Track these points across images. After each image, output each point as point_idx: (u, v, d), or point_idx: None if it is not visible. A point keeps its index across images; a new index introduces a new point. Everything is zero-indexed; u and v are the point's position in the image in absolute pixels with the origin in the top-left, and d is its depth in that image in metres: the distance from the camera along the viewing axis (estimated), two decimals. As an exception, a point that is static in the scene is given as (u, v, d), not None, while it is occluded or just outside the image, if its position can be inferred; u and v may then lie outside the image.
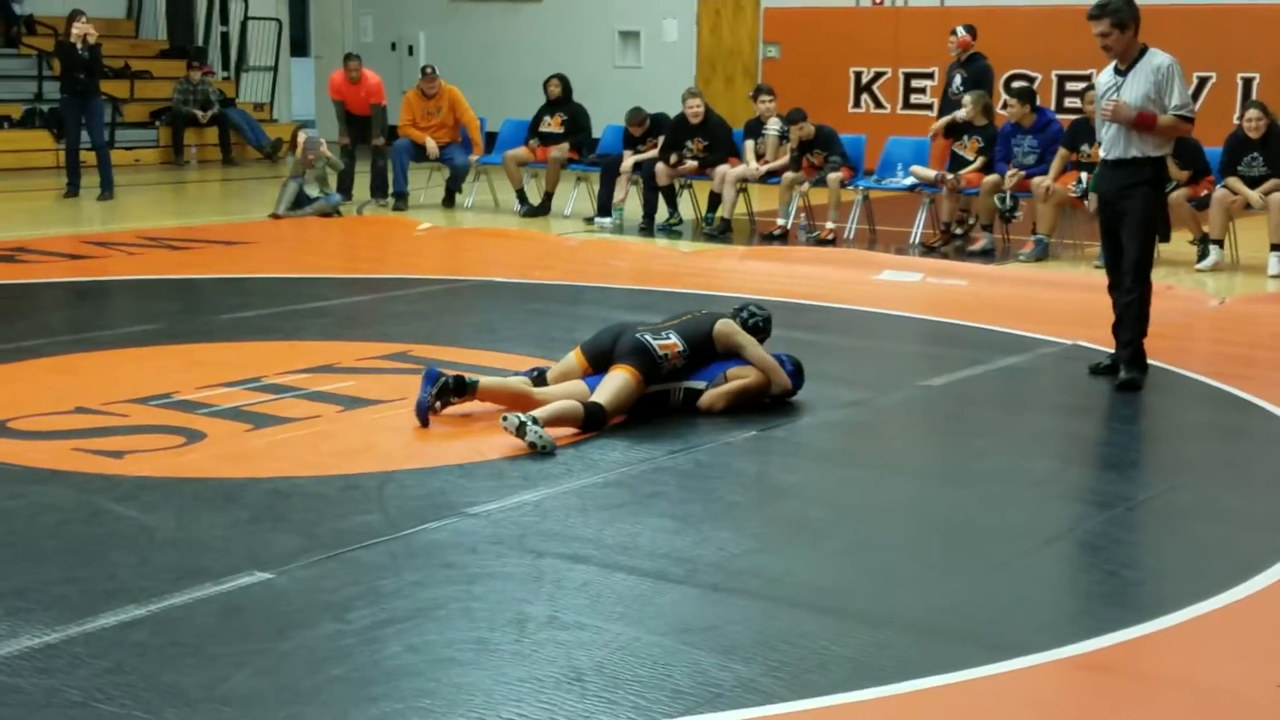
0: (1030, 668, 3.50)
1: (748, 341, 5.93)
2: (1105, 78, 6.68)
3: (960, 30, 11.93)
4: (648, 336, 5.75)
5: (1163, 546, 4.61)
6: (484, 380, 5.75)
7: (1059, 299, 8.87)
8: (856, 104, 16.83)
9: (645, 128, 12.41)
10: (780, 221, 11.66)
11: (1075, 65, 15.17)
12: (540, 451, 5.21)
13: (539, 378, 5.90)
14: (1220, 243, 10.14)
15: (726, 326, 5.94)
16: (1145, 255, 6.68)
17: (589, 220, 12.35)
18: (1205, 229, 10.19)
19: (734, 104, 16.84)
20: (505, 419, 5.30)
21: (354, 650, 3.48)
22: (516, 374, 6.04)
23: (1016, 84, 12.51)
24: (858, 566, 4.25)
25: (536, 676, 3.36)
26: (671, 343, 5.76)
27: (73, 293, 9.00)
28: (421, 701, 3.22)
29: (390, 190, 13.41)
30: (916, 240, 11.31)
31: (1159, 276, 7.37)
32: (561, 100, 13.13)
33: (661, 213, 12.07)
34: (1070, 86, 15.12)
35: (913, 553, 4.41)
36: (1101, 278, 7.01)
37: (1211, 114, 12.91)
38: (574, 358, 5.91)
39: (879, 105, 16.49)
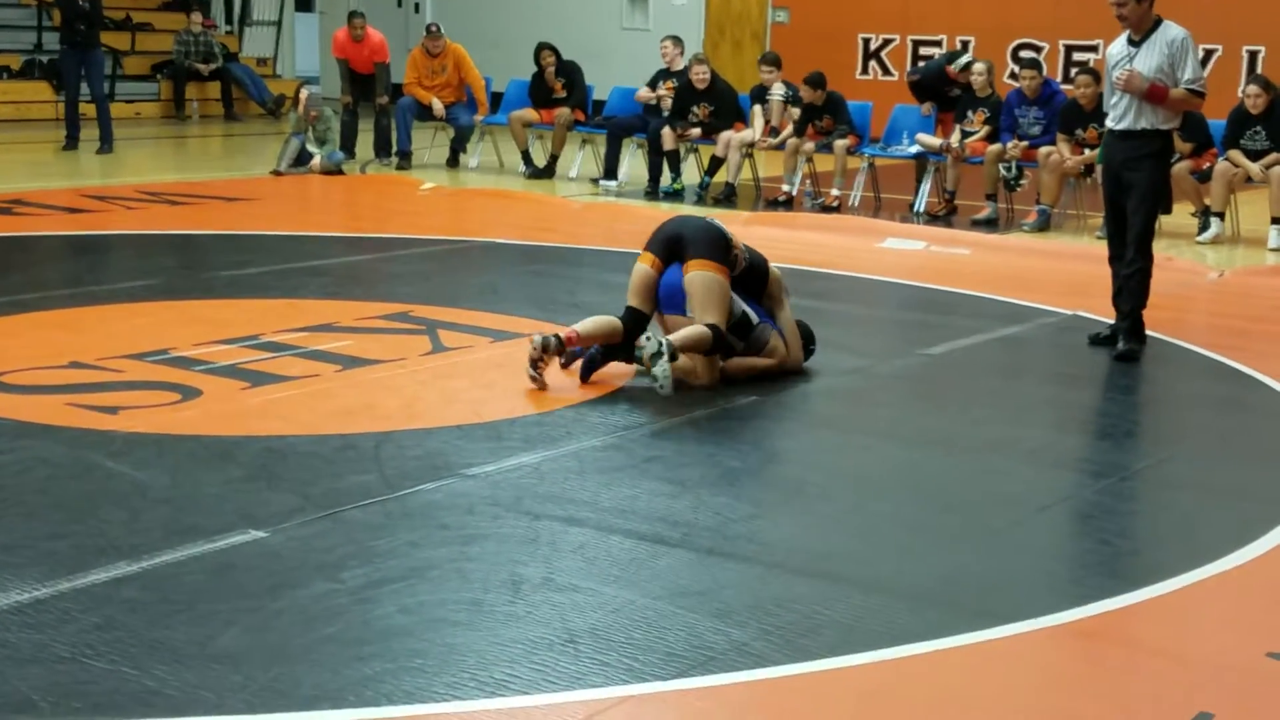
0: (1021, 635, 3.51)
1: (787, 305, 5.87)
2: (1117, 48, 6.63)
3: None
4: (717, 222, 5.60)
5: (1156, 516, 4.61)
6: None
7: (1060, 269, 8.85)
8: (864, 71, 16.73)
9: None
10: (785, 188, 11.62)
11: (1083, 35, 15.09)
12: (659, 391, 5.16)
13: (629, 315, 5.63)
14: (1221, 215, 10.11)
15: (781, 280, 5.86)
16: (1149, 227, 6.67)
17: (595, 182, 12.32)
18: (1207, 201, 10.16)
19: (742, 69, 16.76)
20: (647, 339, 5.17)
21: (346, 610, 3.49)
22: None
23: (1024, 54, 12.45)
24: (852, 532, 4.25)
25: (530, 638, 3.37)
26: (737, 241, 5.65)
27: (70, 246, 8.98)
28: (413, 661, 3.23)
29: (394, 149, 13.36)
30: (921, 208, 11.28)
31: (1160, 248, 7.35)
32: (556, 67, 13.04)
33: (666, 177, 12.03)
34: (1078, 57, 15.04)
35: (907, 519, 4.41)
36: (1102, 248, 6.99)
37: (1216, 87, 12.75)
38: (640, 264, 5.62)
39: (886, 72, 16.41)
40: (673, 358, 5.23)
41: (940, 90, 11.68)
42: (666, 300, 5.65)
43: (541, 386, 5.54)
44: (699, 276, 5.38)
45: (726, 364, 5.70)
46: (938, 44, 15.81)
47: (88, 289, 7.45)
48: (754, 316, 5.71)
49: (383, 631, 3.38)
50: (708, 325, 5.35)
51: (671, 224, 5.68)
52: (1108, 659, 3.45)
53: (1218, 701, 3.18)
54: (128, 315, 6.80)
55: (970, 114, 11.14)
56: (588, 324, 5.66)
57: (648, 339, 5.14)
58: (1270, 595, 3.89)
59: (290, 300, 7.24)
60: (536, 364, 5.54)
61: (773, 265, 5.88)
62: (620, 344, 5.64)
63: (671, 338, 5.18)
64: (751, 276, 5.72)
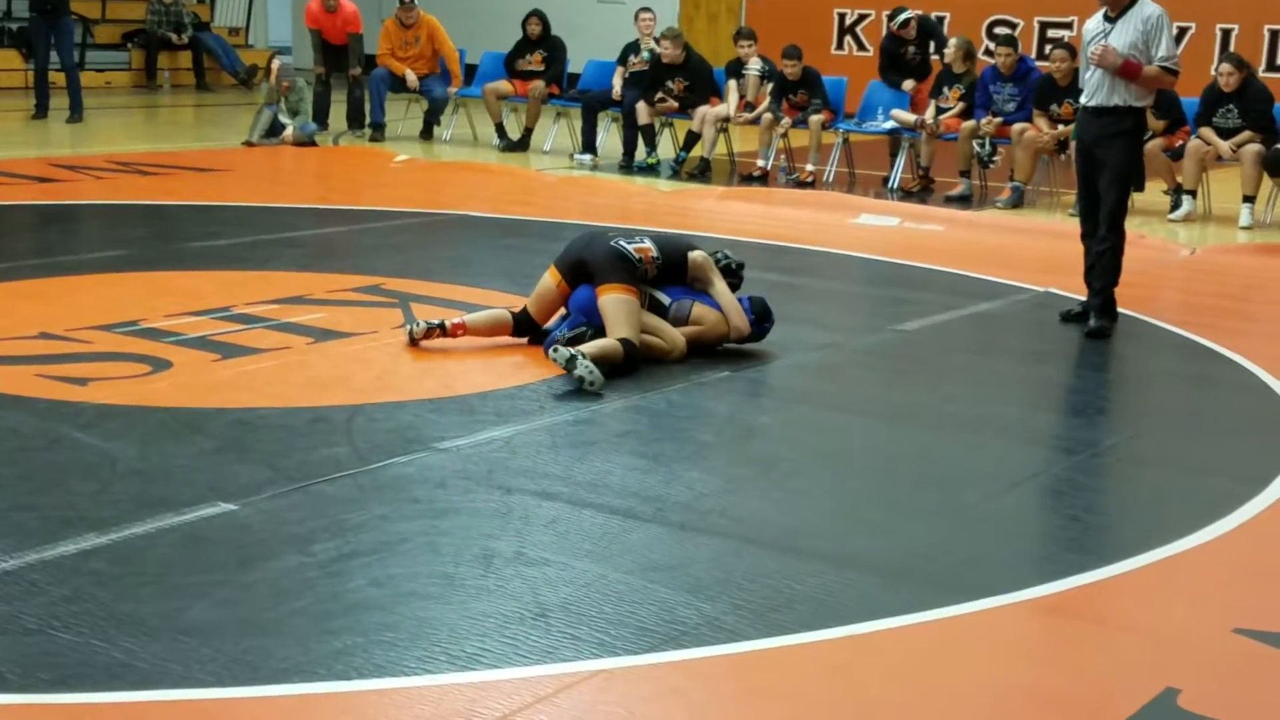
0: (991, 609, 3.52)
1: (718, 279, 5.90)
2: (1093, 24, 6.64)
3: None
4: (622, 243, 5.69)
5: (1125, 492, 4.64)
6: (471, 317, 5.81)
7: (1033, 246, 8.88)
8: (839, 46, 16.71)
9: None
10: (760, 163, 11.60)
11: (1058, 12, 15.09)
12: (587, 389, 5.15)
13: (523, 315, 5.87)
14: (1193, 193, 10.15)
15: (702, 258, 5.91)
16: (1121, 204, 6.68)
17: (570, 156, 12.27)
18: (1179, 179, 10.20)
19: (717, 42, 16.70)
20: (555, 351, 5.23)
21: (317, 583, 3.48)
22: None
23: (999, 30, 12.47)
24: (824, 507, 4.26)
25: (501, 612, 3.36)
26: (646, 246, 5.72)
27: (39, 216, 8.89)
28: (384, 635, 3.22)
29: (367, 121, 13.27)
30: (895, 184, 11.29)
31: (1132, 226, 7.39)
32: (541, 38, 12.98)
33: (641, 152, 11.99)
34: (1053, 34, 15.05)
35: (879, 495, 4.43)
36: (1075, 225, 7.01)
37: (1189, 64, 12.81)
38: (547, 277, 5.82)
39: (861, 48, 16.38)
40: (585, 356, 5.23)
41: (896, 54, 11.74)
42: (579, 311, 5.74)
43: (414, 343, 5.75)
44: (609, 300, 5.54)
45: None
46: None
47: (57, 259, 7.38)
48: (664, 299, 5.79)
49: (353, 605, 3.37)
50: (619, 340, 5.42)
51: (578, 247, 5.78)
52: (1077, 634, 3.47)
53: (1185, 676, 3.21)
54: (98, 286, 6.74)
55: (946, 90, 11.14)
56: (477, 317, 5.90)
57: (554, 351, 5.19)
58: (1238, 571, 3.92)
59: (262, 272, 7.19)
60: (414, 338, 5.75)
61: (695, 252, 5.90)
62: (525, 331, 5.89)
63: (584, 348, 5.25)
64: (670, 270, 5.82)
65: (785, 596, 3.52)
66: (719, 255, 6.09)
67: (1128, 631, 3.47)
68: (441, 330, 5.78)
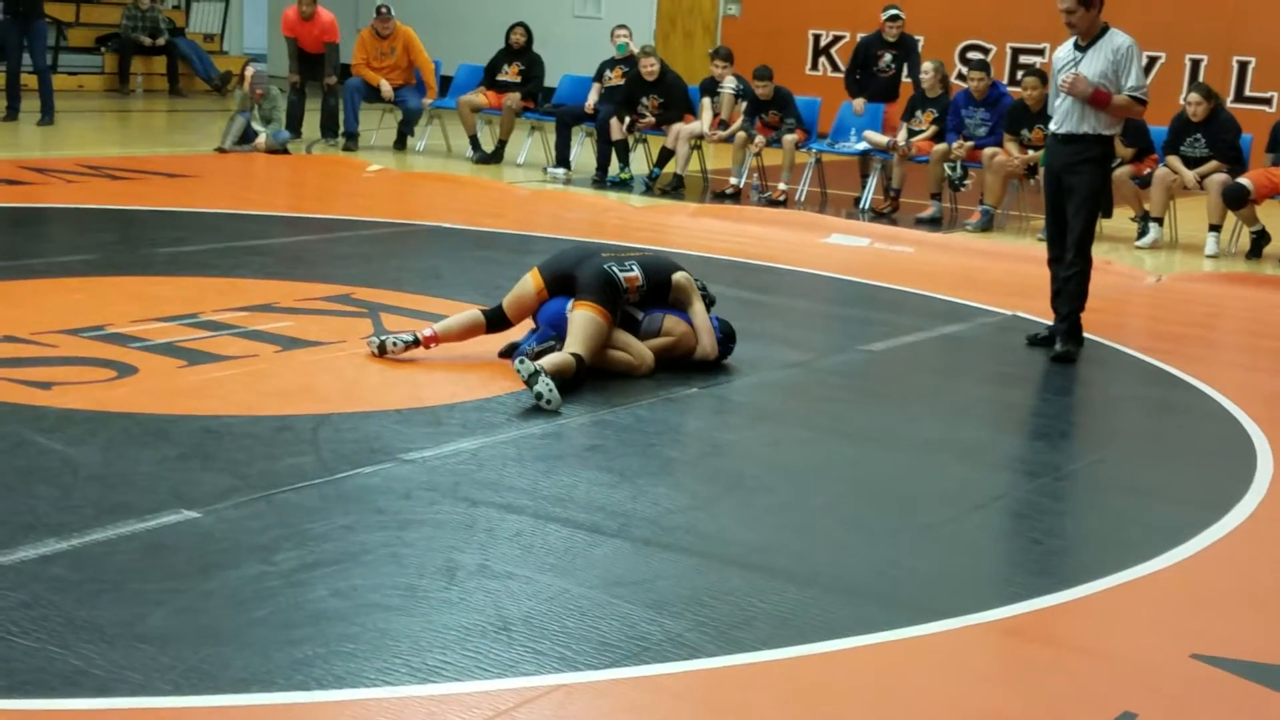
0: (950, 631, 3.54)
1: (698, 300, 5.94)
2: (1064, 52, 6.70)
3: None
4: (613, 267, 5.70)
5: (1086, 517, 4.67)
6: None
7: (1001, 269, 8.95)
8: (814, 66, 16.81)
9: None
10: (733, 180, 11.65)
11: (1030, 39, 15.23)
12: (544, 406, 5.15)
13: (495, 313, 5.87)
14: (1160, 221, 10.25)
15: (685, 279, 5.95)
16: (1088, 230, 6.75)
17: (544, 169, 12.28)
18: (1146, 207, 10.30)
19: (692, 60, 16.77)
20: (521, 363, 5.23)
21: (278, 592, 3.46)
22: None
23: (972, 55, 12.57)
24: (789, 526, 4.27)
25: (464, 625, 3.36)
26: (634, 275, 5.75)
27: (7, 219, 8.82)
28: (345, 646, 3.21)
29: (341, 130, 13.25)
30: (866, 205, 11.35)
31: (1099, 252, 7.45)
32: (523, 49, 13.00)
33: (614, 167, 12.02)
34: (1024, 60, 15.18)
35: (843, 514, 4.44)
36: (1043, 250, 7.07)
37: (1159, 93, 12.99)
38: (530, 280, 5.82)
39: (836, 69, 16.47)
40: (546, 373, 5.25)
41: (872, 56, 11.83)
42: (545, 330, 5.76)
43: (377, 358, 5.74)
44: (581, 315, 5.56)
45: (649, 345, 5.79)
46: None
47: (24, 262, 7.33)
48: (637, 314, 5.84)
49: (315, 615, 3.35)
50: (572, 355, 5.45)
51: (569, 260, 5.79)
52: (1035, 657, 3.49)
53: (1142, 701, 3.23)
54: (64, 290, 6.70)
55: (919, 113, 11.22)
56: (449, 324, 5.89)
57: (520, 363, 5.20)
58: (1196, 597, 3.95)
59: (230, 279, 7.16)
60: (386, 351, 5.74)
61: (679, 273, 5.94)
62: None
63: (542, 363, 5.27)
64: (654, 292, 5.86)
65: (747, 614, 3.53)
66: (699, 282, 6.11)
67: (1086, 655, 3.49)
68: (416, 344, 5.77)
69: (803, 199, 11.59)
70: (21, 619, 3.22)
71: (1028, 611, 3.69)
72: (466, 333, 5.89)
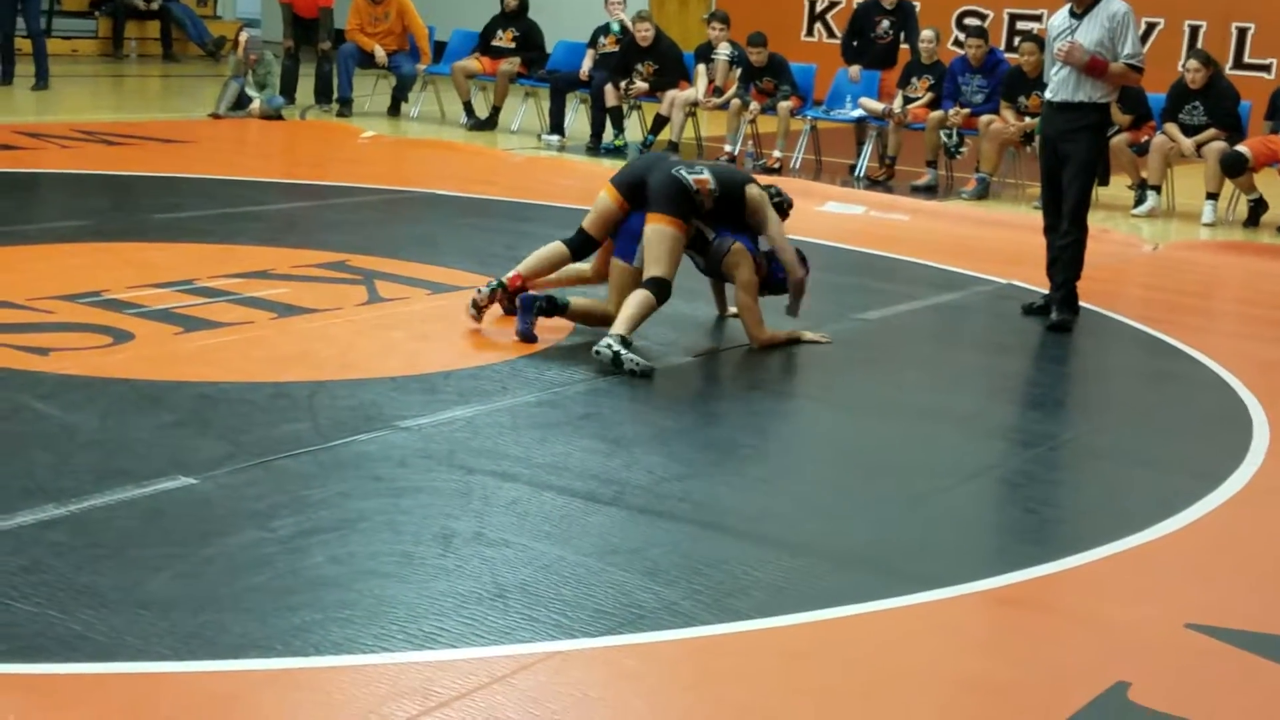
0: (946, 600, 3.56)
1: (774, 219, 5.86)
2: (1059, 20, 6.68)
3: None
4: (683, 170, 5.66)
5: (1081, 486, 4.69)
6: (575, 300, 5.73)
7: (997, 238, 8.94)
8: (809, 33, 16.72)
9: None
10: (728, 148, 11.61)
11: (1027, 4, 15.16)
12: (640, 375, 5.18)
13: (578, 239, 5.82)
14: (1158, 189, 10.24)
15: (759, 193, 5.86)
16: (1084, 199, 6.74)
17: (538, 136, 12.24)
18: (1144, 175, 10.29)
19: (687, 26, 16.68)
20: (598, 351, 5.24)
21: (275, 559, 3.47)
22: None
23: (969, 21, 12.52)
24: (783, 494, 4.29)
25: (459, 591, 3.37)
26: (704, 179, 5.69)
27: (1, 184, 8.79)
28: (342, 612, 3.22)
29: (335, 96, 13.19)
30: (861, 173, 11.33)
31: (1096, 220, 7.45)
32: (517, 14, 12.93)
33: (609, 134, 11.97)
34: (1022, 26, 15.11)
35: (837, 483, 4.46)
36: (1039, 218, 7.07)
37: (1157, 60, 12.95)
38: (606, 195, 5.78)
39: (831, 35, 16.40)
40: (627, 344, 5.27)
41: (869, 22, 11.78)
42: (624, 243, 5.73)
43: (478, 321, 5.77)
44: (655, 231, 5.55)
45: (764, 339, 5.80)
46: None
47: (19, 228, 7.31)
48: (709, 234, 5.80)
49: (312, 581, 3.37)
50: (646, 283, 5.43)
51: (639, 167, 5.79)
52: (1029, 626, 3.51)
53: (1135, 670, 3.25)
54: (60, 256, 6.68)
55: (915, 80, 11.18)
56: (530, 262, 5.88)
57: (598, 351, 5.23)
58: (1191, 567, 3.97)
59: (226, 245, 7.15)
60: (479, 305, 5.75)
61: (752, 186, 5.84)
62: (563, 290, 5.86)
63: (618, 327, 5.29)
64: (727, 204, 5.76)
65: (742, 583, 3.55)
66: (771, 190, 6.03)
67: (1080, 624, 3.51)
68: (503, 289, 5.75)
69: (798, 166, 11.57)
70: (21, 584, 3.23)
71: (1022, 580, 3.71)
72: (552, 266, 5.86)
